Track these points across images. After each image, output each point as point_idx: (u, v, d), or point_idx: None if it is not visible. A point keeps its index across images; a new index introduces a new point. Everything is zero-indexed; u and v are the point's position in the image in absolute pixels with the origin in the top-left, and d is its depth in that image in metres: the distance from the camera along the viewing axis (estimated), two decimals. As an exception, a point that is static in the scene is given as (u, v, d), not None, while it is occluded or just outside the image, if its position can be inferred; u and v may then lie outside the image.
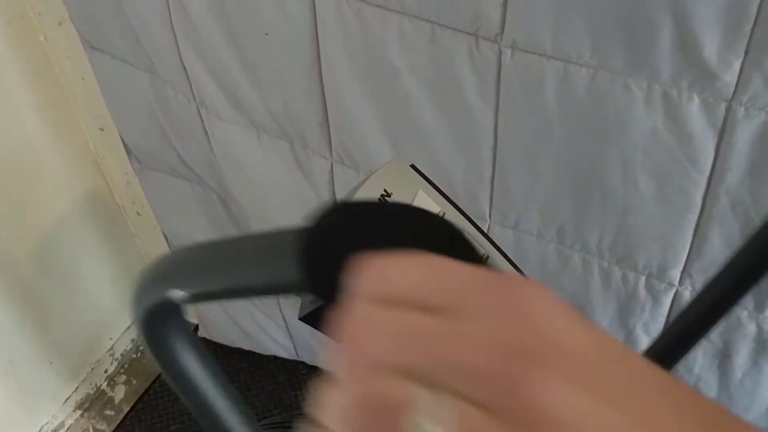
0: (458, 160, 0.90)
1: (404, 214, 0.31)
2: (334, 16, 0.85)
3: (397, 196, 0.60)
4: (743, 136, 0.72)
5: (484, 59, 0.79)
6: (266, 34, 0.92)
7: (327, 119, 0.99)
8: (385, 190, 0.60)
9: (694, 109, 0.72)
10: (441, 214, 0.62)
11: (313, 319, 0.55)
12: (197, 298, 0.37)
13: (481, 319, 0.21)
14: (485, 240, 0.66)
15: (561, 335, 0.21)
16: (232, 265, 0.35)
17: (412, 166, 0.65)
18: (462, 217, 0.65)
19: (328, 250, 0.28)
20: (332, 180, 1.07)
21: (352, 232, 0.27)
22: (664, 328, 0.89)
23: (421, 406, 0.21)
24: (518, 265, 0.68)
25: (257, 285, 0.34)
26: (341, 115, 0.97)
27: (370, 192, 0.59)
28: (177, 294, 0.37)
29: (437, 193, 0.65)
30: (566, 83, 0.76)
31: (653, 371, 0.22)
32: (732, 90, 0.70)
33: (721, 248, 0.79)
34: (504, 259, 0.67)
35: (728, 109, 0.71)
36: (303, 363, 1.68)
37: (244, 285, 0.35)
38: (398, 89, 0.87)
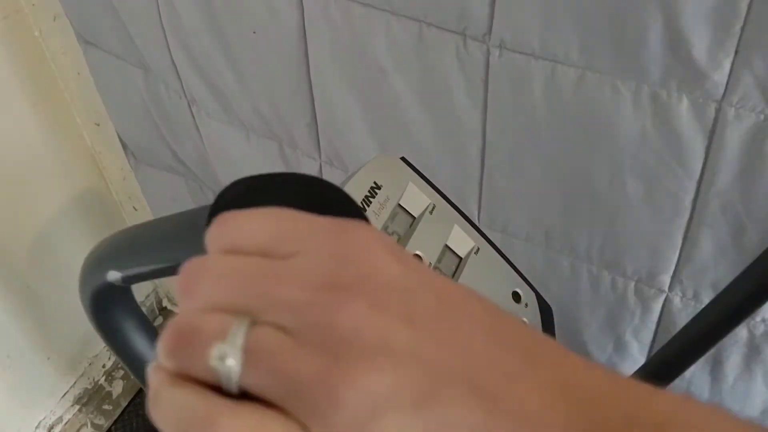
0: (446, 161, 0.88)
1: (292, 180, 0.33)
2: (322, 15, 0.84)
3: (387, 189, 0.59)
4: (734, 137, 0.70)
5: (471, 59, 0.78)
6: (254, 32, 0.91)
7: (315, 120, 0.98)
8: (374, 182, 0.59)
9: (683, 111, 0.71)
10: (431, 206, 0.61)
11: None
12: (131, 279, 0.38)
13: (305, 258, 0.23)
14: (478, 234, 0.65)
15: (374, 268, 0.23)
16: (155, 244, 0.37)
17: (402, 159, 0.64)
18: (453, 209, 0.64)
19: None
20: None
21: (245, 202, 0.28)
22: (654, 335, 0.88)
23: (224, 333, 0.22)
24: (509, 259, 0.67)
25: (177, 262, 0.34)
26: (329, 116, 0.96)
27: (360, 185, 0.59)
28: (114, 275, 0.38)
29: (427, 185, 0.64)
30: (554, 84, 0.75)
31: (477, 304, 0.23)
32: (722, 90, 0.69)
33: (711, 253, 0.78)
34: (496, 253, 0.67)
35: (718, 110, 0.70)
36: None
37: (166, 263, 0.36)
38: (386, 89, 0.86)
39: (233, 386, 0.22)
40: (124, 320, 0.43)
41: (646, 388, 0.23)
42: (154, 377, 0.24)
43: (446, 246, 0.59)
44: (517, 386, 0.21)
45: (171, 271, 0.36)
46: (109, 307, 0.42)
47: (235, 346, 0.21)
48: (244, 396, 0.22)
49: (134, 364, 0.45)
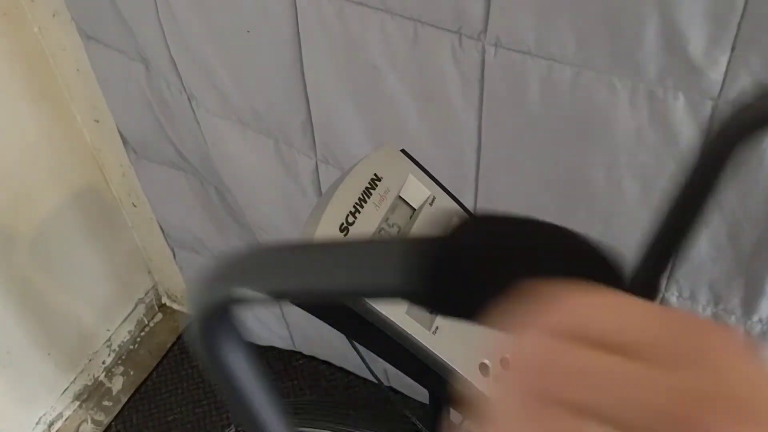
0: (442, 160, 0.88)
1: (544, 232, 0.29)
2: (315, 14, 0.84)
3: (388, 180, 0.59)
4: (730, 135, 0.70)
5: (467, 58, 0.78)
6: (248, 31, 0.91)
7: (310, 118, 0.98)
8: (375, 174, 0.59)
9: (679, 108, 0.71)
10: (431, 198, 0.61)
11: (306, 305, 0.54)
12: (275, 296, 0.36)
13: (670, 364, 0.21)
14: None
15: (749, 386, 0.21)
16: (329, 265, 0.34)
17: (403, 151, 0.64)
18: (453, 200, 0.64)
19: (460, 264, 0.27)
20: (317, 179, 1.06)
21: (488, 248, 0.27)
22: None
23: None
24: None
25: (358, 287, 0.33)
26: (324, 115, 0.96)
27: (360, 176, 0.59)
28: (246, 293, 0.36)
29: (427, 176, 0.64)
30: (550, 82, 0.75)
31: None
32: (719, 88, 0.68)
33: (707, 253, 0.77)
34: None
35: (714, 108, 0.69)
36: (299, 353, 1.68)
37: (344, 286, 0.33)
38: (380, 89, 0.86)
39: None
40: (232, 343, 0.41)
41: None
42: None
43: None
44: None
45: (340, 297, 0.35)
46: (221, 325, 0.40)
47: None
48: None
49: (234, 393, 0.44)
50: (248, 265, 0.37)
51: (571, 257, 0.28)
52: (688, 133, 0.71)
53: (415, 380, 0.55)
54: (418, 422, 0.88)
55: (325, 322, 0.56)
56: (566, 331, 0.23)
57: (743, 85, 0.67)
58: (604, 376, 0.21)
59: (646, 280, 0.56)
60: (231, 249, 0.37)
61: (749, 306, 0.79)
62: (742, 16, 0.64)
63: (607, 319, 0.23)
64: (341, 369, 1.66)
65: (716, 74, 0.68)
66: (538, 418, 0.22)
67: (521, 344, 0.23)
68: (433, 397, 0.63)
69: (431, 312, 0.29)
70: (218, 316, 0.38)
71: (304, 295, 0.37)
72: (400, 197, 0.60)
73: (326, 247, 0.35)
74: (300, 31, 0.88)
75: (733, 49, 0.66)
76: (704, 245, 0.77)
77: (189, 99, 1.14)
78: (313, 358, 1.68)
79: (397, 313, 0.52)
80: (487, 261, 0.27)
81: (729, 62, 0.67)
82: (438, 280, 0.27)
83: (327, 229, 0.54)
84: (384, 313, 0.51)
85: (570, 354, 0.22)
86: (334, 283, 0.33)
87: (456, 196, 0.66)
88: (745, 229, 0.74)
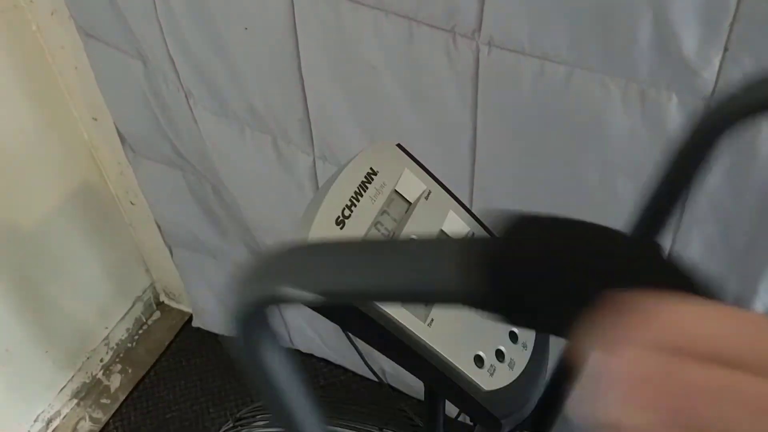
0: (437, 157, 0.88)
1: (599, 233, 0.29)
2: (312, 11, 0.84)
3: (383, 175, 0.59)
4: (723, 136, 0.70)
5: (461, 56, 0.78)
6: (245, 28, 0.91)
7: (308, 115, 0.98)
8: (371, 168, 0.59)
9: (672, 108, 0.71)
10: (427, 192, 0.61)
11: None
12: (328, 298, 0.34)
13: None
14: (473, 219, 0.65)
15: None
16: (386, 265, 0.32)
17: (398, 146, 0.64)
18: (448, 195, 0.65)
19: (528, 265, 0.26)
20: (315, 176, 1.06)
21: (554, 252, 0.25)
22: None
23: None
24: None
25: (413, 290, 0.31)
26: (322, 112, 0.96)
27: (356, 170, 0.59)
28: (292, 293, 0.34)
29: (423, 171, 0.64)
30: (543, 81, 0.75)
31: None
32: (711, 88, 0.69)
33: (700, 252, 0.77)
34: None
35: (707, 107, 0.69)
36: (297, 351, 1.68)
37: (400, 288, 0.32)
38: (376, 87, 0.86)
39: None
40: (271, 343, 0.40)
41: None
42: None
43: (442, 231, 0.59)
44: None
45: (394, 296, 0.33)
46: (259, 328, 0.38)
47: None
48: None
49: (273, 395, 0.42)
50: (294, 262, 0.36)
51: (646, 264, 0.27)
52: (680, 133, 0.72)
53: (411, 372, 0.56)
54: (414, 416, 0.89)
55: (322, 314, 0.56)
56: (671, 346, 0.21)
57: (736, 84, 0.67)
58: (725, 391, 0.20)
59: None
60: (272, 246, 0.35)
61: (743, 306, 0.79)
62: (734, 17, 0.64)
63: (712, 330, 0.21)
64: (339, 366, 1.66)
65: (709, 74, 0.68)
66: None
67: (623, 360, 0.22)
68: (429, 389, 0.63)
69: (503, 321, 0.28)
70: (258, 317, 0.37)
71: (358, 296, 0.35)
72: (396, 191, 0.60)
73: (382, 246, 0.34)
74: (297, 28, 0.88)
75: (725, 49, 0.66)
76: (697, 245, 0.77)
77: (187, 96, 1.14)
78: (310, 356, 1.68)
79: (392, 304, 0.53)
80: (558, 264, 0.26)
81: (722, 62, 0.67)
82: (507, 283, 0.26)
83: (323, 221, 0.54)
84: (378, 304, 0.52)
85: (686, 369, 0.21)
86: (391, 286, 0.31)
87: (451, 190, 0.66)
88: (738, 228, 0.74)
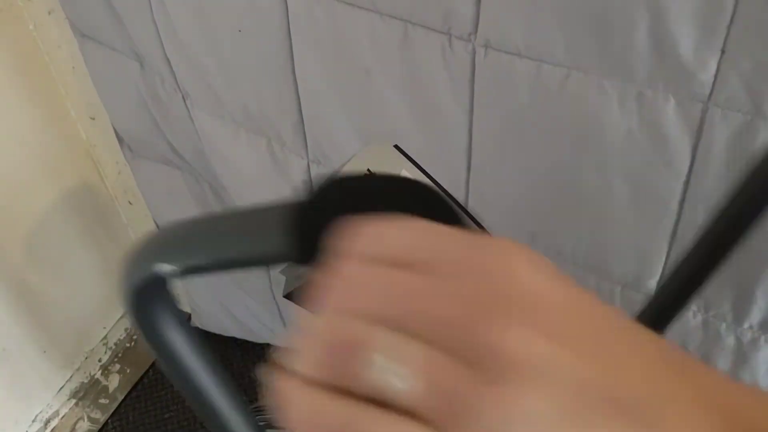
0: (432, 160, 0.88)
1: (391, 182, 0.32)
2: (305, 13, 0.84)
3: None
4: (720, 138, 0.69)
5: (457, 59, 0.77)
6: (239, 30, 0.91)
7: (302, 118, 0.98)
8: (368, 170, 0.59)
9: (669, 111, 0.70)
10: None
11: (298, 297, 0.55)
12: (187, 271, 0.37)
13: (456, 274, 0.23)
14: (470, 220, 0.65)
15: (529, 287, 0.22)
16: (221, 236, 0.36)
17: (395, 146, 0.64)
18: (443, 194, 0.64)
19: (319, 219, 0.29)
20: (309, 179, 1.06)
21: (342, 202, 0.28)
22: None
23: (384, 347, 0.22)
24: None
25: (247, 256, 0.35)
26: (316, 115, 0.96)
27: (354, 170, 0.59)
28: (166, 268, 0.38)
29: (419, 171, 0.64)
30: (539, 83, 0.74)
31: (621, 323, 0.24)
32: (708, 90, 0.68)
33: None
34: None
35: (705, 111, 0.69)
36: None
37: (234, 256, 0.35)
38: (371, 89, 0.85)
39: (391, 401, 0.22)
40: (166, 319, 0.43)
41: None
42: (291, 388, 0.23)
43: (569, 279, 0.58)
44: (675, 409, 0.21)
45: (242, 264, 0.36)
46: (151, 304, 0.41)
47: (401, 362, 0.22)
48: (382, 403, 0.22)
49: (174, 367, 0.45)
50: (163, 240, 0.39)
51: (403, 198, 0.31)
52: (677, 136, 0.71)
53: None
54: None
55: None
56: (364, 254, 0.25)
57: (733, 87, 0.67)
58: (391, 288, 0.23)
59: (668, 304, 0.56)
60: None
61: (740, 312, 0.79)
62: (731, 19, 0.64)
63: (401, 240, 0.25)
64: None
65: (706, 76, 0.67)
66: (331, 329, 0.23)
67: (326, 270, 0.25)
68: None
69: (297, 263, 0.32)
70: (145, 294, 0.39)
71: (206, 267, 0.38)
72: None
73: (218, 219, 0.37)
74: (291, 30, 0.87)
75: (723, 51, 0.66)
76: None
77: (183, 97, 1.14)
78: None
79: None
80: (331, 209, 0.29)
81: (719, 64, 0.66)
82: (302, 238, 0.30)
83: None
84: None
85: (363, 271, 0.24)
86: (225, 254, 0.35)
87: (448, 191, 0.66)
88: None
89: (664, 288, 0.56)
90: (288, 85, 0.94)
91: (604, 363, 0.22)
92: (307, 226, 0.30)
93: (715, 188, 0.72)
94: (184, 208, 1.44)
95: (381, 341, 0.22)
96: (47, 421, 1.59)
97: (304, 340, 0.24)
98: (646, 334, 0.24)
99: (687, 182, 0.73)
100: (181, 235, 0.38)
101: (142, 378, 1.70)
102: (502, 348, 0.21)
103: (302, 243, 0.30)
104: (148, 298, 0.40)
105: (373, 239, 0.25)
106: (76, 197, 1.51)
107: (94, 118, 1.44)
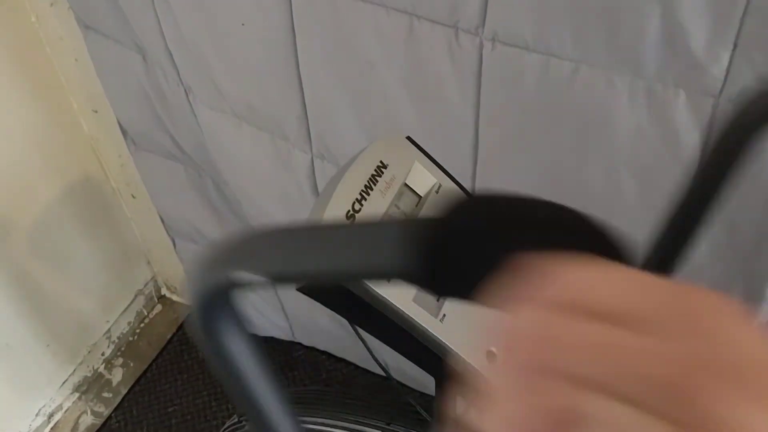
0: (438, 156, 0.87)
1: (547, 212, 0.29)
2: (310, 7, 0.82)
3: (394, 168, 0.58)
4: (732, 134, 0.68)
5: (464, 52, 0.76)
6: (243, 24, 0.90)
7: (305, 113, 0.97)
8: (381, 162, 0.59)
9: (680, 106, 0.69)
10: (437, 186, 0.60)
11: (311, 290, 0.54)
12: (269, 282, 0.36)
13: (665, 332, 0.21)
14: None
15: (743, 350, 0.21)
16: (327, 247, 0.34)
17: (408, 138, 0.63)
18: (459, 188, 0.64)
19: (457, 242, 0.27)
20: (313, 174, 1.05)
21: (491, 228, 0.26)
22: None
23: (598, 417, 0.20)
24: None
25: (358, 269, 0.33)
26: (320, 110, 0.95)
27: (366, 163, 0.58)
28: (246, 276, 0.36)
29: (433, 164, 0.63)
30: (548, 78, 0.73)
31: None
32: (720, 85, 0.67)
33: (707, 253, 0.76)
34: None
35: (715, 106, 0.68)
36: (299, 344, 1.68)
37: (344, 268, 0.33)
38: (376, 84, 0.84)
39: None
40: (232, 328, 0.41)
41: None
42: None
43: None
44: None
45: (338, 279, 0.36)
46: (221, 310, 0.40)
47: (608, 427, 0.20)
48: None
49: (235, 379, 0.43)
50: (247, 247, 0.37)
51: (568, 232, 0.28)
52: (688, 132, 0.70)
53: (421, 367, 0.55)
54: (421, 410, 0.88)
55: (330, 308, 0.55)
56: (562, 304, 0.22)
57: (746, 82, 0.65)
58: (600, 347, 0.21)
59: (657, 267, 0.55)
60: (228, 234, 0.37)
61: (750, 309, 0.78)
62: (745, 11, 0.62)
63: (604, 290, 0.22)
64: (341, 360, 1.65)
65: (718, 71, 0.66)
66: (536, 391, 0.21)
67: (516, 319, 0.23)
68: (439, 384, 0.62)
69: (432, 293, 0.29)
70: (218, 302, 0.38)
71: (304, 277, 0.37)
72: (406, 185, 0.60)
73: (326, 229, 0.35)
74: (294, 24, 0.86)
75: (735, 45, 0.64)
76: (703, 246, 0.76)
77: (186, 91, 1.13)
78: (313, 349, 1.67)
79: (405, 301, 0.52)
80: (483, 238, 0.27)
81: (731, 58, 0.65)
82: (435, 260, 0.27)
83: (334, 215, 0.53)
84: (391, 300, 0.51)
85: (565, 326, 0.22)
86: (333, 266, 0.33)
87: (462, 184, 0.65)
88: (745, 231, 0.73)
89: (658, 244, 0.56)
90: (292, 80, 0.93)
91: None
92: (446, 249, 0.27)
93: (737, 178, 0.71)
94: (188, 201, 1.43)
95: (593, 408, 0.20)
96: (50, 415, 1.59)
97: (497, 404, 0.22)
98: None
99: (697, 178, 0.72)
100: (268, 243, 0.37)
101: (145, 372, 1.69)
102: (717, 415, 0.19)
103: (435, 267, 0.27)
104: (219, 305, 0.39)
105: (566, 285, 0.23)
106: (78, 190, 1.50)
107: (96, 111, 1.43)
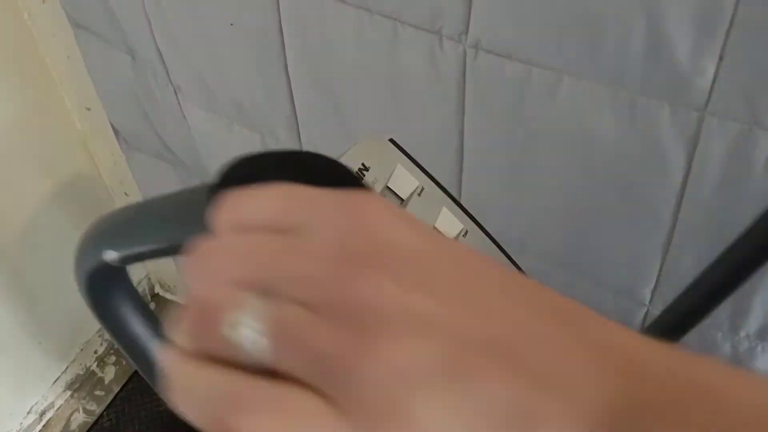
0: (424, 162, 0.86)
1: (292, 156, 0.32)
2: (297, 9, 0.81)
3: (376, 170, 0.57)
4: (716, 148, 0.67)
5: (447, 59, 0.75)
6: (231, 24, 0.89)
7: (295, 114, 0.95)
8: (363, 164, 0.57)
9: (664, 119, 0.68)
10: (419, 189, 0.60)
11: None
12: (128, 259, 0.38)
13: (318, 232, 0.23)
14: (466, 217, 0.63)
15: (390, 238, 0.22)
16: (153, 223, 0.36)
17: (391, 140, 0.62)
18: (442, 191, 0.63)
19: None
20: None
21: (248, 179, 0.28)
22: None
23: (245, 308, 0.22)
24: (496, 239, 0.65)
25: (177, 241, 0.34)
26: (309, 111, 0.94)
27: (349, 164, 0.57)
28: (111, 255, 0.38)
29: (416, 167, 0.62)
30: (529, 87, 0.72)
31: (493, 271, 0.23)
32: (705, 98, 0.65)
33: (693, 266, 0.74)
34: (485, 236, 0.65)
35: (701, 119, 0.66)
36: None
37: (165, 242, 0.35)
38: (360, 88, 0.83)
39: (257, 361, 0.21)
40: (121, 302, 0.44)
41: (686, 353, 0.22)
42: (170, 360, 0.23)
43: (434, 228, 0.57)
44: (551, 351, 0.21)
45: (170, 251, 0.35)
46: (105, 288, 0.42)
47: (258, 319, 0.21)
48: (266, 374, 0.22)
49: (131, 348, 0.46)
50: (109, 228, 0.40)
51: (294, 168, 0.30)
52: (672, 146, 0.68)
53: None
54: None
55: None
56: (229, 223, 0.25)
57: (731, 95, 0.64)
58: (253, 252, 0.23)
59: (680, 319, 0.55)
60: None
61: (736, 322, 0.77)
62: (731, 23, 0.61)
63: (266, 206, 0.25)
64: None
65: (703, 83, 0.65)
66: (199, 292, 0.23)
67: (197, 243, 0.25)
68: None
69: None
70: (95, 275, 0.40)
71: (136, 256, 0.38)
72: (388, 187, 0.59)
73: (144, 206, 0.38)
74: (282, 25, 0.85)
75: (720, 57, 0.63)
76: (689, 258, 0.74)
77: (175, 91, 1.12)
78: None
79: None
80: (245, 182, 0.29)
81: (717, 71, 0.64)
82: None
83: None
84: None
85: (227, 240, 0.24)
86: (150, 241, 0.35)
87: (445, 187, 0.64)
88: (731, 242, 0.71)
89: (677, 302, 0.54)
90: (280, 80, 0.92)
91: (476, 309, 0.21)
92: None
93: (710, 199, 0.70)
94: (164, 184, 1.42)
95: (244, 304, 0.22)
96: (42, 413, 1.59)
97: (181, 313, 0.24)
98: (523, 280, 0.23)
99: (681, 193, 0.71)
100: (122, 222, 0.39)
101: (137, 370, 1.69)
102: (370, 303, 0.20)
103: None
104: (100, 284, 0.40)
105: (238, 207, 0.25)
106: (71, 189, 1.49)
107: (89, 109, 1.43)
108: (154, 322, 0.45)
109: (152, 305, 1.80)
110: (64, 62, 1.36)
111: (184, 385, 0.23)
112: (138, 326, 0.44)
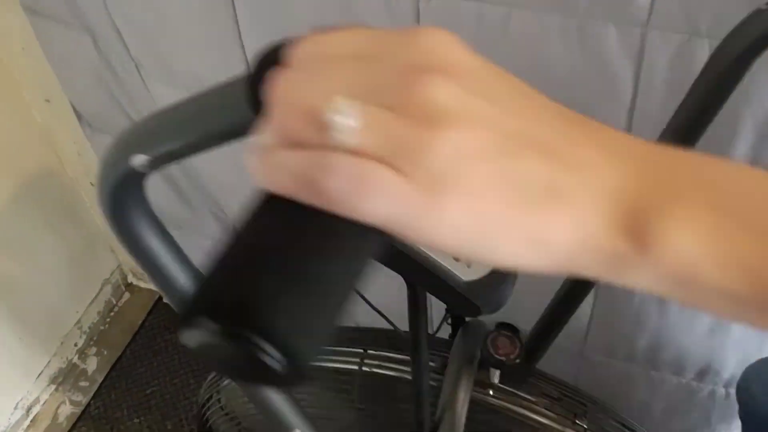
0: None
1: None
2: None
3: None
4: (661, 61, 0.71)
5: (401, 6, 0.78)
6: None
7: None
8: None
9: (611, 40, 0.72)
10: None
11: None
12: (157, 161, 0.39)
13: (395, 53, 0.27)
14: None
15: (455, 58, 0.27)
16: (188, 117, 0.37)
17: None
18: None
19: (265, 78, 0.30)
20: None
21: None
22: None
23: (334, 108, 0.26)
24: None
25: (213, 132, 0.36)
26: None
27: None
28: (140, 159, 0.38)
29: None
30: (483, 25, 0.75)
31: (530, 89, 0.28)
32: (647, 14, 0.69)
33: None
34: None
35: (644, 35, 0.70)
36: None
37: (201, 134, 0.37)
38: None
39: (343, 143, 0.25)
40: (141, 217, 0.45)
41: (691, 153, 0.27)
42: (260, 147, 0.27)
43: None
44: (580, 149, 0.26)
45: (205, 143, 0.37)
46: (126, 203, 0.43)
47: (349, 106, 0.25)
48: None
49: (151, 264, 0.47)
50: (138, 132, 0.40)
51: None
52: (621, 64, 0.73)
53: (394, 269, 0.57)
54: (398, 329, 0.87)
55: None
56: (307, 52, 0.29)
57: (670, 8, 0.68)
58: (334, 70, 0.27)
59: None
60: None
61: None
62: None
63: (342, 40, 0.28)
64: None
65: (643, 0, 0.68)
66: (289, 98, 0.27)
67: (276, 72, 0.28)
68: (411, 293, 0.64)
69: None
70: (120, 185, 0.41)
71: (167, 156, 0.39)
72: None
73: (174, 106, 0.38)
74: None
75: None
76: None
77: (137, 67, 1.13)
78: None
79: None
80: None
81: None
82: (255, 99, 0.31)
83: None
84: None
85: (307, 63, 0.28)
86: (185, 134, 0.37)
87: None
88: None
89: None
90: (235, 52, 0.94)
91: (521, 113, 0.27)
92: (256, 89, 0.31)
93: (659, 112, 0.74)
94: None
95: (331, 104, 0.26)
96: (29, 408, 1.59)
97: (264, 123, 0.28)
98: (550, 101, 0.28)
99: (632, 110, 0.75)
100: (152, 124, 0.40)
101: (120, 358, 1.70)
102: (440, 101, 0.25)
103: (256, 107, 0.31)
104: (124, 194, 0.41)
105: (316, 43, 0.29)
106: (35, 183, 1.49)
107: (49, 100, 1.42)
108: (170, 240, 0.47)
109: (127, 295, 1.80)
110: (20, 54, 1.34)
111: (279, 161, 0.27)
112: (156, 243, 0.46)
